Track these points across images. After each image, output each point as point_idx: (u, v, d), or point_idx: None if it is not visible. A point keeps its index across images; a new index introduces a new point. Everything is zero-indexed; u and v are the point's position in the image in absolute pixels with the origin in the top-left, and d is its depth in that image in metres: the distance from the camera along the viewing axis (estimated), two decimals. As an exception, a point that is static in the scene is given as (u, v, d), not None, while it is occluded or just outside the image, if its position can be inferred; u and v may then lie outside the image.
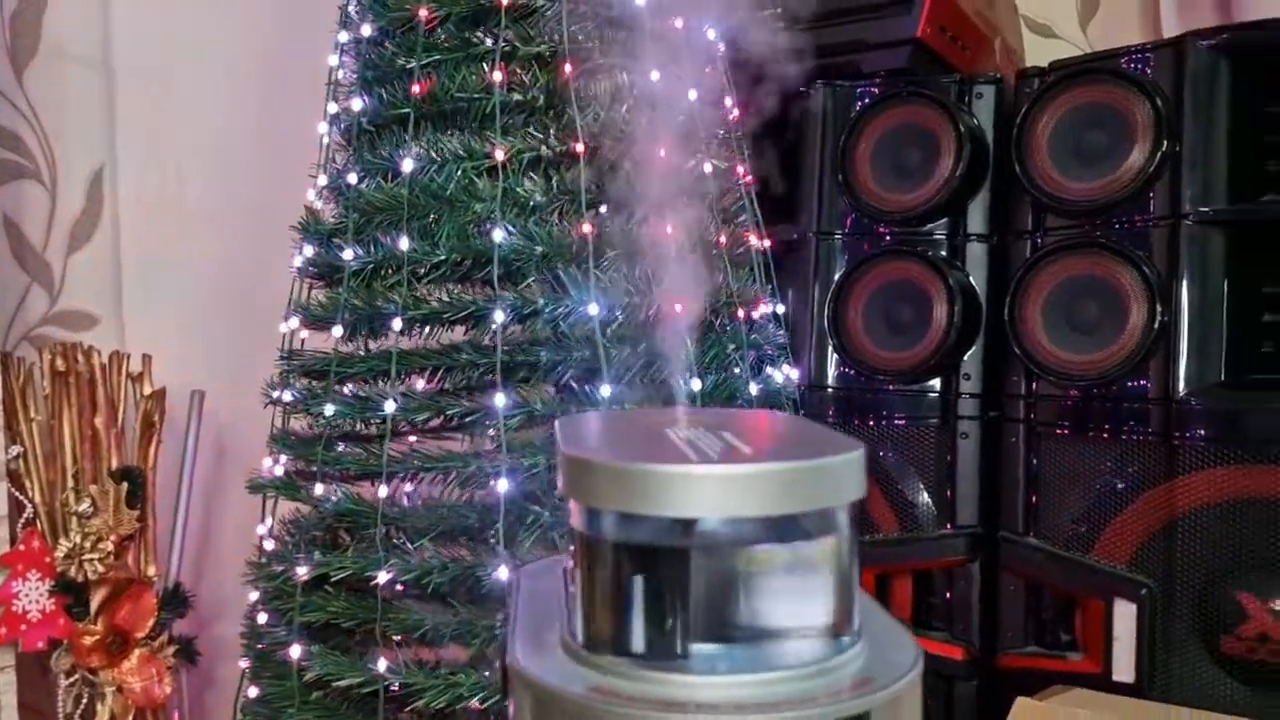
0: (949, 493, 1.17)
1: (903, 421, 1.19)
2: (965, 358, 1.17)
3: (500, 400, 0.83)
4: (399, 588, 0.86)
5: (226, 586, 1.34)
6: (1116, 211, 1.06)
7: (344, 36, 0.98)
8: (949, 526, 1.17)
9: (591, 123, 0.86)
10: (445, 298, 0.87)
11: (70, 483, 1.20)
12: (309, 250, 0.97)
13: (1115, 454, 1.06)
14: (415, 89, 0.88)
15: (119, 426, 1.23)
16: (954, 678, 1.16)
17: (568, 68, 0.86)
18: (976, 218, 1.18)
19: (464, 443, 0.95)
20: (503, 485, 0.81)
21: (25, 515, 1.20)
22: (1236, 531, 0.98)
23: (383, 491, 0.85)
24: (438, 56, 0.89)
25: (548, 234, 0.85)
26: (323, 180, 0.98)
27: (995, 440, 1.16)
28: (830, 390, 1.22)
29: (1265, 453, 0.97)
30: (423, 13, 0.89)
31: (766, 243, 0.98)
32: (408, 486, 0.89)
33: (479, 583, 0.82)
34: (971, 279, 1.17)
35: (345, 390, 0.93)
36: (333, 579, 0.87)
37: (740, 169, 0.95)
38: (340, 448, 0.94)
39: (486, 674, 0.82)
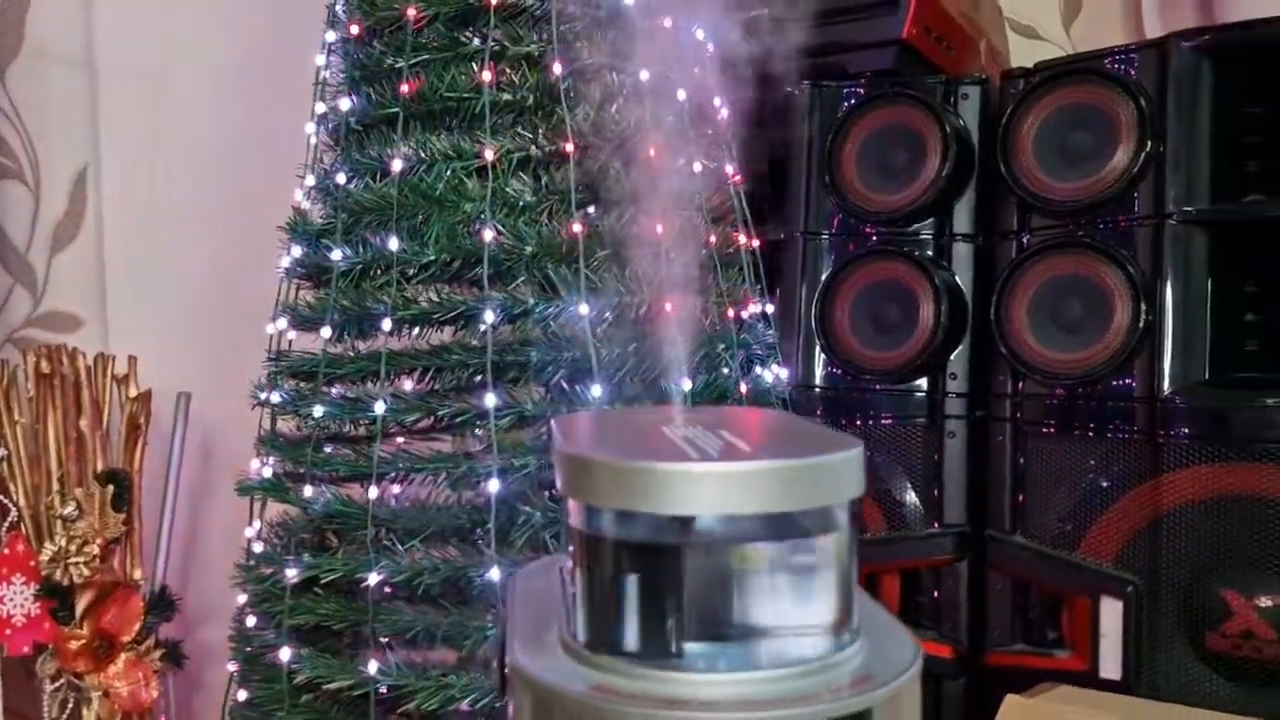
0: (936, 492, 1.18)
1: (889, 421, 1.20)
2: (952, 357, 1.18)
3: (491, 401, 0.82)
4: (387, 590, 0.86)
5: (213, 590, 1.33)
6: (1101, 211, 1.07)
7: (331, 36, 0.97)
8: (936, 525, 1.17)
9: (581, 122, 0.86)
10: (435, 298, 0.87)
11: (55, 486, 1.19)
12: (297, 251, 0.96)
13: (1101, 452, 1.06)
14: (404, 88, 0.88)
15: (104, 429, 1.22)
16: (942, 676, 1.16)
17: (557, 67, 0.86)
18: (962, 218, 1.18)
19: (453, 444, 0.95)
20: (494, 486, 0.81)
21: (9, 519, 1.19)
22: (1221, 529, 0.99)
23: (373, 493, 0.84)
24: (426, 56, 0.89)
25: (537, 234, 0.85)
26: (310, 180, 0.98)
27: (982, 439, 1.17)
28: (817, 390, 1.22)
29: (1249, 450, 0.97)
30: (411, 12, 0.88)
31: (756, 242, 0.98)
32: (395, 489, 0.89)
33: (470, 584, 0.82)
34: (958, 279, 1.18)
35: (334, 391, 0.92)
36: (322, 581, 0.86)
37: (729, 169, 0.95)
38: (328, 449, 0.94)
39: (476, 675, 0.82)
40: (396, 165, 0.87)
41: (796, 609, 0.40)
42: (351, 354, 0.91)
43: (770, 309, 1.02)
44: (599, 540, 0.41)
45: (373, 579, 0.83)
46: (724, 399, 0.90)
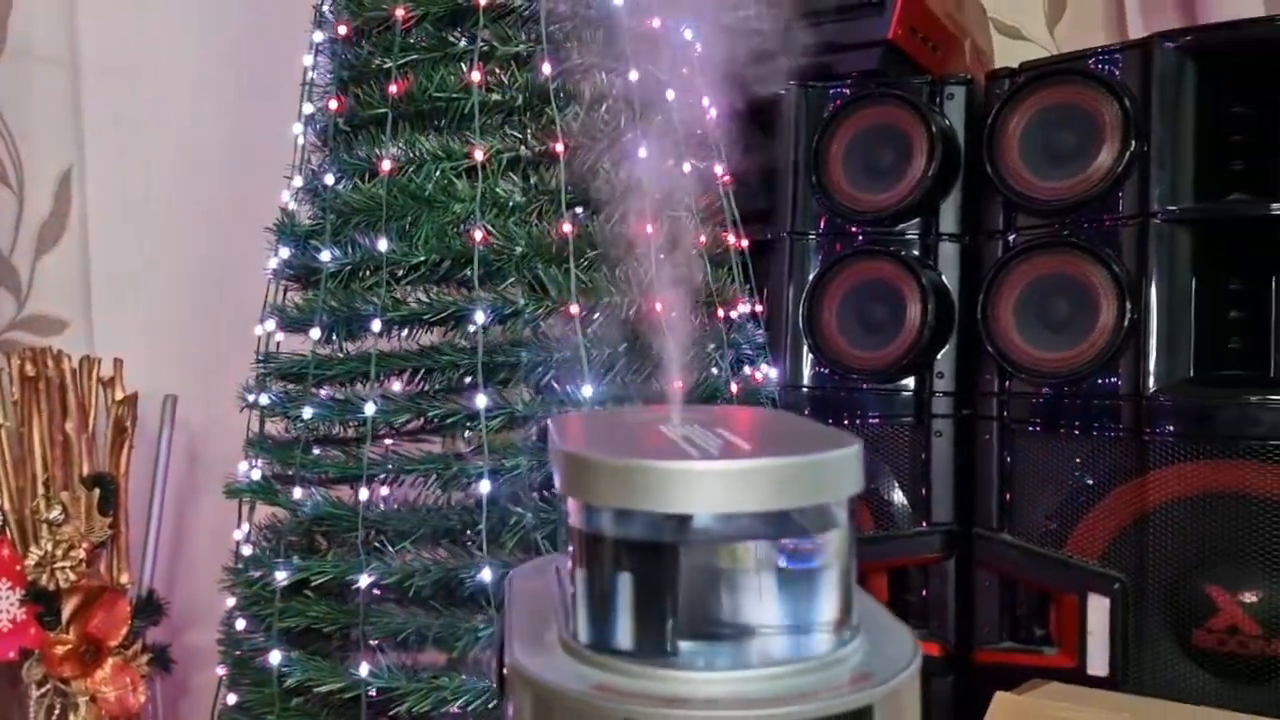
0: (924, 491, 1.18)
1: (877, 420, 1.20)
2: (939, 356, 1.18)
3: (482, 402, 0.82)
4: (376, 592, 0.86)
5: (200, 593, 1.33)
6: (1086, 211, 1.07)
7: (318, 36, 0.97)
8: (924, 524, 1.18)
9: (571, 122, 0.86)
10: (424, 299, 0.87)
11: (41, 490, 1.18)
12: (284, 252, 0.96)
13: (1087, 450, 1.07)
14: (392, 89, 0.88)
15: (90, 432, 1.21)
16: (930, 674, 1.17)
17: (546, 67, 0.86)
18: (948, 217, 1.19)
19: (442, 445, 0.95)
20: (485, 487, 0.81)
21: (-6, 523, 1.18)
22: (1206, 525, 0.99)
23: (364, 494, 0.84)
24: (415, 56, 0.88)
25: (527, 234, 0.85)
26: (298, 181, 0.97)
27: (969, 438, 1.17)
28: (805, 390, 1.22)
29: (1233, 448, 0.98)
30: (399, 12, 0.88)
31: (745, 242, 0.99)
32: (384, 490, 0.88)
33: (461, 585, 0.82)
34: (944, 278, 1.18)
35: (323, 393, 0.92)
36: (313, 584, 0.86)
37: (718, 169, 0.96)
38: (316, 451, 0.93)
39: (468, 677, 0.82)
40: (385, 166, 0.87)
41: (796, 606, 0.40)
42: (341, 355, 0.91)
43: (759, 309, 1.02)
44: (599, 539, 0.41)
45: (363, 581, 0.83)
46: (714, 399, 0.90)
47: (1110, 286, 1.05)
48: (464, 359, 0.85)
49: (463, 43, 0.88)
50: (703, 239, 0.91)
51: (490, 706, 0.79)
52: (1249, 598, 0.97)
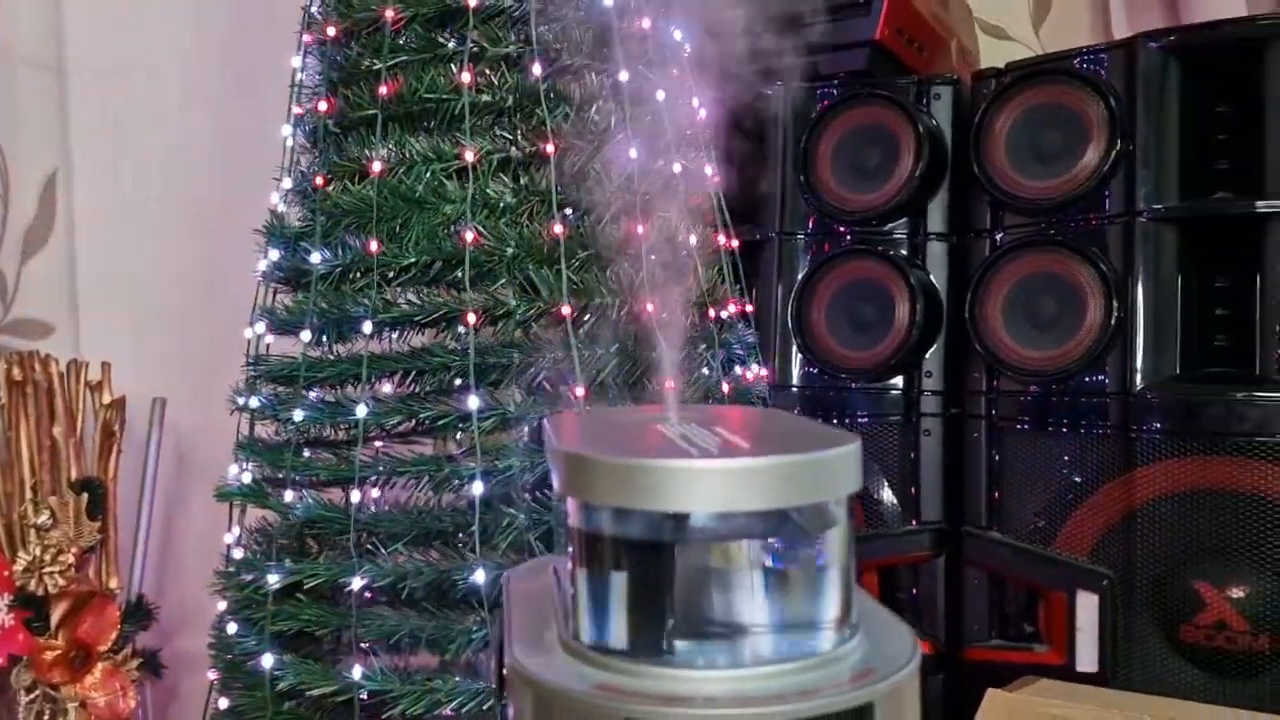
0: (913, 489, 1.19)
1: (866, 420, 1.20)
2: (927, 355, 1.19)
3: (474, 403, 0.82)
4: (367, 595, 0.86)
5: (189, 598, 1.32)
6: (1073, 209, 1.08)
7: (307, 38, 0.97)
8: (914, 523, 1.18)
9: (561, 123, 0.86)
10: (416, 300, 0.87)
11: (29, 495, 1.17)
12: (274, 254, 0.96)
13: (1075, 448, 1.08)
14: (382, 90, 0.88)
15: (78, 436, 1.21)
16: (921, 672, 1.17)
17: (536, 68, 0.86)
18: (936, 217, 1.19)
19: (434, 446, 0.95)
20: (477, 488, 0.81)
21: (-18, 528, 1.18)
22: (1193, 522, 1.00)
23: (356, 496, 0.84)
24: (405, 58, 0.88)
25: (518, 235, 0.85)
26: (287, 183, 0.97)
27: (957, 437, 1.18)
28: (795, 389, 1.23)
29: (1220, 444, 0.99)
30: (389, 13, 0.88)
31: (735, 242, 0.99)
32: (374, 492, 0.88)
33: (454, 587, 0.82)
34: (932, 278, 1.19)
35: (313, 395, 0.92)
36: (305, 587, 0.86)
37: (708, 169, 0.96)
38: (307, 454, 0.93)
39: (461, 679, 0.82)
40: (376, 167, 0.87)
41: (796, 604, 0.41)
42: (331, 357, 0.91)
43: (750, 309, 1.03)
44: (598, 539, 0.41)
45: (356, 584, 0.82)
46: (706, 399, 0.90)
47: (1097, 285, 1.05)
48: (455, 360, 0.85)
49: (452, 44, 0.88)
50: (693, 239, 0.91)
51: (485, 708, 0.79)
52: (1236, 593, 0.98)
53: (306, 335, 0.89)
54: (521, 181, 0.87)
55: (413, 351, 0.89)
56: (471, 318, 0.83)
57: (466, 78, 0.86)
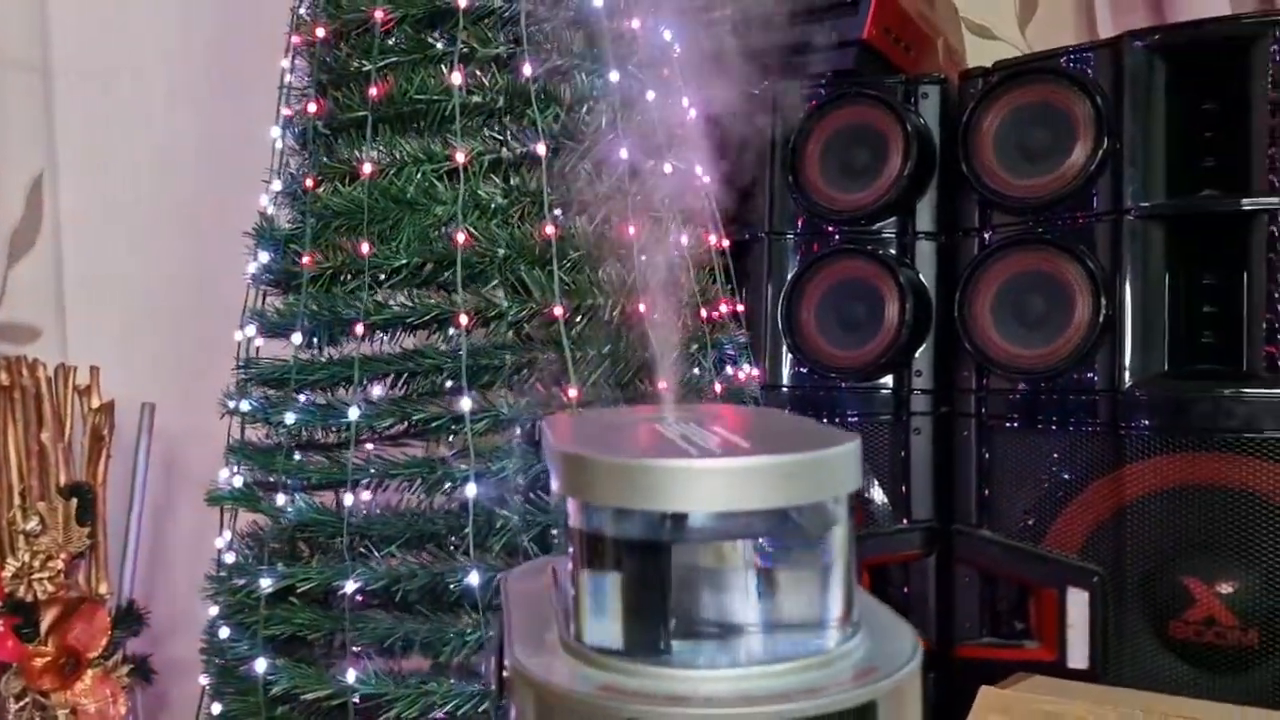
0: (903, 488, 1.19)
1: (856, 419, 1.21)
2: (917, 354, 1.19)
3: (466, 404, 0.82)
4: (359, 599, 0.85)
5: (179, 603, 1.32)
6: (1061, 208, 1.09)
7: (295, 39, 0.96)
8: (904, 521, 1.19)
9: (552, 124, 0.86)
10: (407, 302, 0.87)
11: (17, 500, 1.17)
12: (264, 256, 0.95)
13: (1064, 445, 1.08)
14: (372, 91, 0.87)
15: (66, 441, 1.20)
16: (913, 670, 1.17)
17: (527, 69, 0.86)
18: (925, 216, 1.20)
19: (426, 448, 0.94)
20: (471, 490, 0.81)
21: (-29, 536, 1.17)
22: (1182, 518, 1.01)
23: (349, 500, 0.84)
24: (394, 59, 0.88)
25: (510, 236, 0.85)
26: (276, 185, 0.97)
27: (947, 435, 1.18)
28: (785, 389, 1.23)
29: (1208, 440, 1.00)
30: (378, 14, 0.88)
31: (726, 242, 0.99)
32: (365, 495, 0.88)
33: (448, 590, 0.82)
34: (921, 277, 1.19)
35: (303, 398, 0.91)
36: (298, 590, 0.85)
37: (698, 169, 0.96)
38: (297, 457, 0.93)
39: (456, 682, 0.82)
40: (366, 169, 0.87)
41: (798, 603, 0.41)
42: (323, 360, 0.90)
43: (741, 309, 1.03)
44: (600, 539, 0.41)
45: (350, 587, 0.82)
46: (698, 399, 0.90)
47: (1085, 283, 1.06)
48: (447, 362, 0.85)
49: (441, 45, 0.88)
50: (684, 239, 0.91)
51: (480, 710, 0.79)
52: (1225, 589, 0.99)
53: (298, 338, 0.89)
54: (512, 182, 0.87)
55: (404, 353, 0.88)
56: (463, 319, 0.83)
57: (457, 79, 0.86)
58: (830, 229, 1.21)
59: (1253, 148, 1.00)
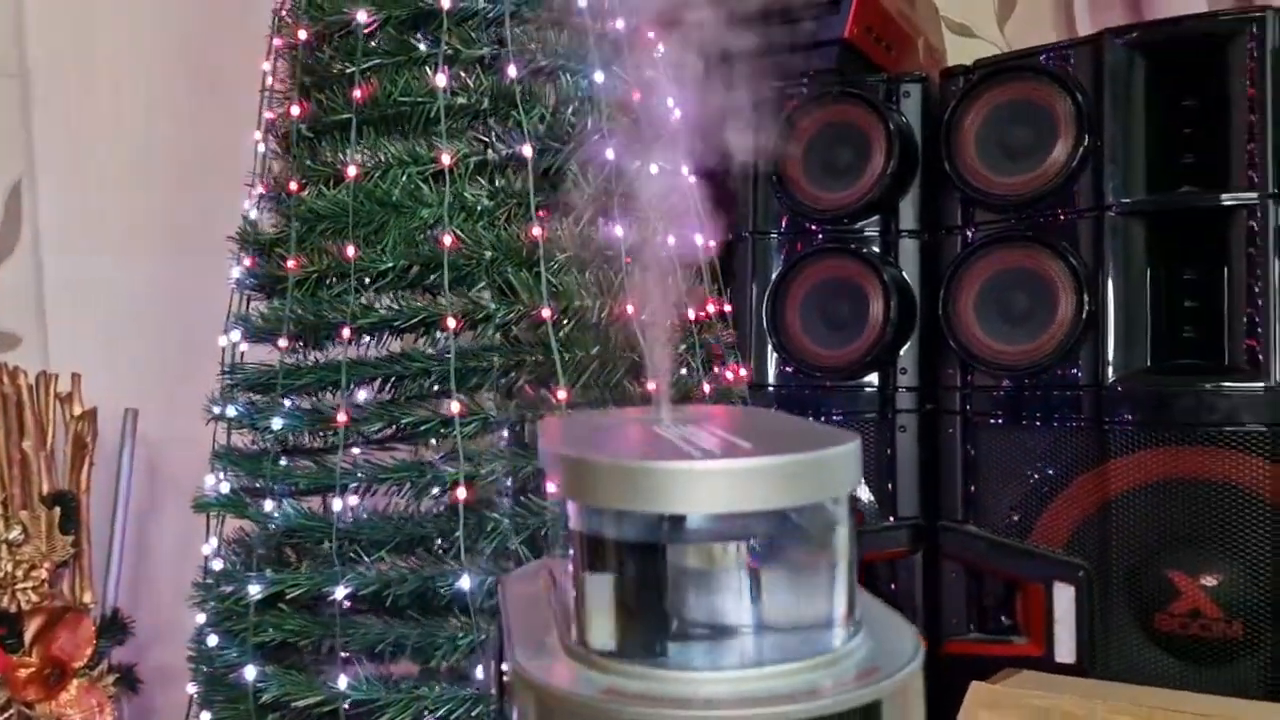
0: (890, 486, 1.19)
1: (841, 417, 1.21)
2: (901, 352, 1.20)
3: (455, 407, 0.82)
4: (346, 604, 0.85)
5: (163, 611, 1.30)
6: (1043, 205, 1.09)
7: (277, 42, 0.96)
8: (891, 519, 1.19)
9: (538, 125, 0.86)
10: (394, 305, 0.86)
11: (0, 510, 1.15)
12: (248, 261, 0.95)
13: (1049, 441, 1.09)
14: (356, 94, 0.87)
15: (49, 449, 1.19)
16: (901, 666, 1.17)
17: (512, 70, 0.85)
18: (908, 214, 1.20)
19: (415, 452, 0.94)
20: (461, 493, 0.80)
21: (-48, 545, 1.15)
22: (1166, 512, 1.01)
23: (338, 505, 0.83)
24: (378, 61, 0.88)
25: (496, 238, 0.84)
26: (259, 189, 0.96)
27: (932, 432, 1.19)
28: (770, 389, 1.23)
29: (1191, 434, 1.00)
30: (361, 16, 0.87)
31: (712, 242, 0.99)
32: (352, 499, 0.87)
33: (439, 593, 0.81)
34: (905, 275, 1.20)
35: (288, 403, 0.91)
36: (287, 597, 0.85)
37: (684, 169, 0.96)
38: (283, 462, 0.92)
39: (448, 686, 0.81)
40: (351, 172, 0.86)
41: (801, 604, 0.41)
42: (310, 364, 0.90)
43: (728, 308, 1.03)
44: (601, 542, 0.41)
45: (340, 592, 0.82)
46: (687, 400, 0.90)
47: (1068, 279, 1.06)
48: (435, 365, 0.84)
49: (425, 46, 0.88)
50: (671, 239, 0.91)
51: (472, 715, 0.78)
52: (1209, 581, 1.00)
53: (284, 342, 0.88)
54: (498, 184, 0.86)
55: (391, 357, 0.88)
56: (451, 322, 0.83)
57: (441, 80, 0.85)
58: (814, 228, 1.22)
59: (1231, 144, 1.01)
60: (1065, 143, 1.07)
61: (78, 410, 1.21)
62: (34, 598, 1.13)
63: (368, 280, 0.87)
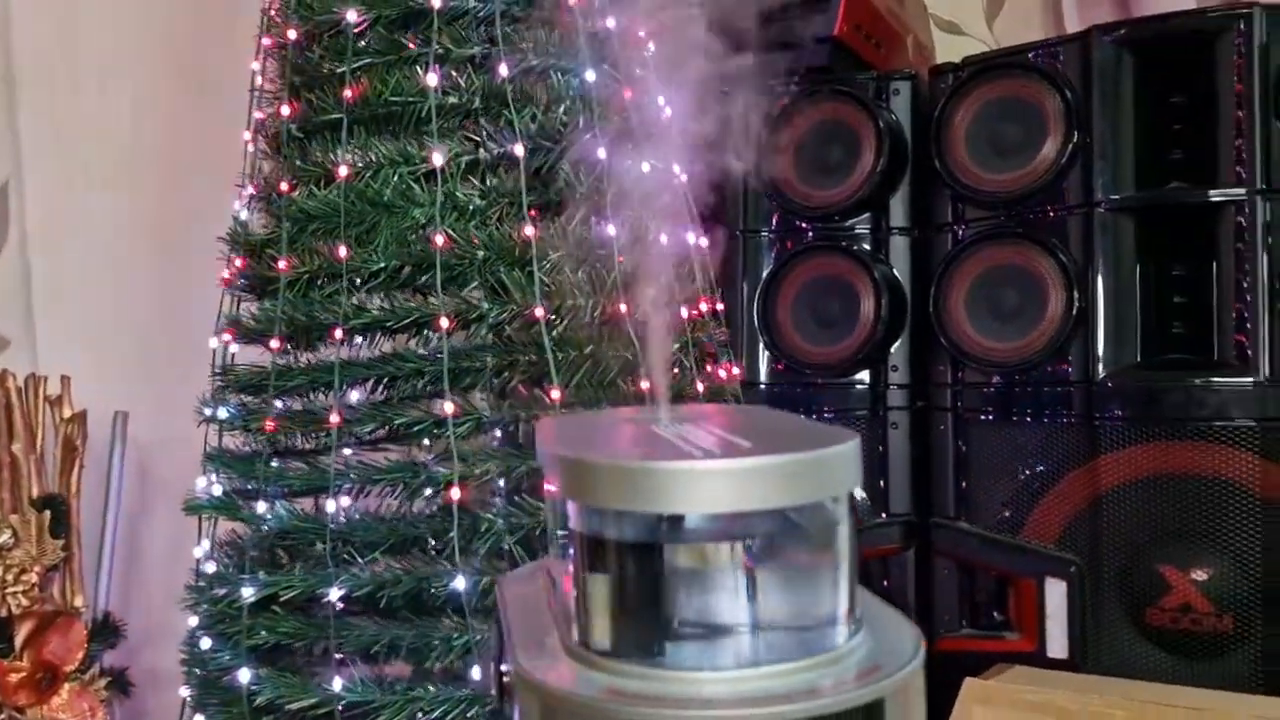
0: (881, 483, 1.20)
1: (833, 415, 1.21)
2: (892, 350, 1.20)
3: (449, 408, 0.81)
4: (340, 606, 0.85)
5: (155, 614, 1.30)
6: (1032, 202, 1.09)
7: (266, 41, 0.95)
8: (883, 515, 1.19)
9: (529, 124, 0.86)
10: (386, 305, 0.86)
11: (-11, 514, 1.15)
12: (238, 262, 0.94)
13: (1040, 437, 1.09)
14: (347, 94, 0.87)
15: (38, 452, 1.18)
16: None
17: (503, 69, 0.85)
18: (898, 212, 1.20)
19: (408, 453, 0.94)
20: (455, 494, 0.80)
21: (-59, 550, 1.15)
22: (1156, 506, 1.02)
23: (331, 506, 0.83)
24: (368, 60, 0.87)
25: (489, 237, 0.84)
26: (249, 190, 0.96)
27: (924, 429, 1.19)
28: (763, 387, 1.23)
29: (1181, 430, 1.01)
30: (351, 16, 0.87)
31: (705, 241, 0.99)
32: (345, 501, 0.87)
33: (433, 594, 0.81)
34: (896, 272, 1.20)
35: (279, 404, 0.90)
36: (281, 599, 0.84)
37: (676, 168, 0.96)
38: (274, 463, 0.92)
39: (443, 687, 0.81)
40: (342, 172, 0.86)
41: (802, 603, 0.41)
42: (302, 365, 0.90)
43: (721, 307, 1.03)
44: (602, 542, 0.41)
45: (334, 594, 0.81)
46: (680, 398, 0.90)
47: (1058, 276, 1.07)
48: (428, 365, 0.84)
49: (415, 46, 0.87)
50: (663, 239, 0.91)
51: (468, 716, 0.78)
52: (1199, 575, 1.00)
53: (275, 344, 0.88)
54: (490, 183, 0.86)
55: (384, 357, 0.88)
56: (444, 322, 0.82)
57: (432, 80, 0.85)
58: (804, 226, 1.22)
59: (1220, 140, 1.01)
60: (1054, 140, 1.08)
61: (67, 413, 1.21)
62: (24, 602, 1.12)
63: (359, 281, 0.86)
